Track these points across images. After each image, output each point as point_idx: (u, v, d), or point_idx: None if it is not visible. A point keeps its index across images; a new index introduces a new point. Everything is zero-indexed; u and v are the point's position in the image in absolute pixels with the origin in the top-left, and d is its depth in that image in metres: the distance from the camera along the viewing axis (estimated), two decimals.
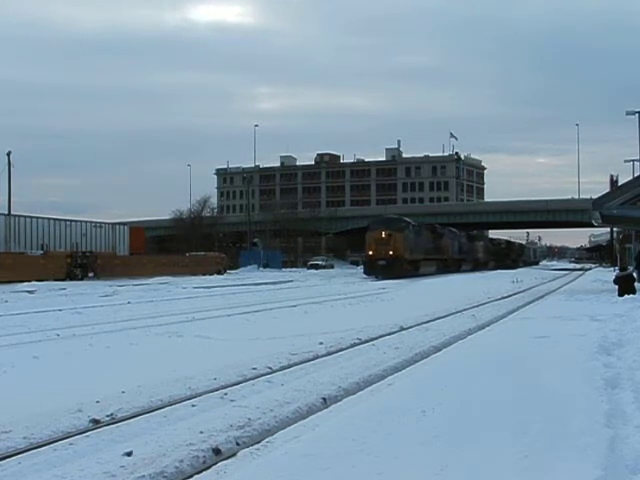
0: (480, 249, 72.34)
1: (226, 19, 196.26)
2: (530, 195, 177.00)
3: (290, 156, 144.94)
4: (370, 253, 46.42)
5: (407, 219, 52.02)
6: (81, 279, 37.16)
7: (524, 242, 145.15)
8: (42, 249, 38.51)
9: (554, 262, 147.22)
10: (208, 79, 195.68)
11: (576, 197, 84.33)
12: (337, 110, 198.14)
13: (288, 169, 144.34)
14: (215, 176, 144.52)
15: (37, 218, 40.65)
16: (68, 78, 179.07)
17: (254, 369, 8.86)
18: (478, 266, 66.52)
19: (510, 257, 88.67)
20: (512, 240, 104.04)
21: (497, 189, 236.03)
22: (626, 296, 20.52)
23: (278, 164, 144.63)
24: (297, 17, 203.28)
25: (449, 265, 56.07)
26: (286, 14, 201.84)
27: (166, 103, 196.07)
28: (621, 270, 24.72)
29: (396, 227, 47.41)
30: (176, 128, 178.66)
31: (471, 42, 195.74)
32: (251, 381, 8.18)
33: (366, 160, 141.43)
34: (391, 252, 44.97)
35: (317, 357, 10.10)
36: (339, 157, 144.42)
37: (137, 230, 54.00)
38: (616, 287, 22.22)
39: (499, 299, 23.34)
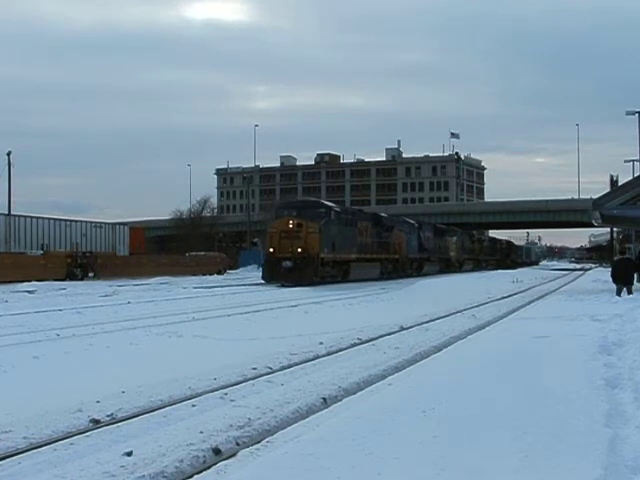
0: (453, 246, 59.48)
1: (221, 17, 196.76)
2: (530, 195, 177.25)
3: (290, 156, 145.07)
4: (271, 250, 32.28)
5: (329, 203, 37.55)
6: (81, 279, 37.13)
7: (524, 242, 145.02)
8: (42, 249, 38.49)
9: (554, 262, 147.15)
10: (205, 78, 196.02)
11: (576, 197, 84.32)
12: (337, 109, 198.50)
13: (288, 169, 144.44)
14: (215, 176, 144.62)
15: (37, 218, 40.62)
16: (67, 77, 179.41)
17: (254, 369, 8.86)
18: (449, 267, 56.22)
19: (495, 256, 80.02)
20: (499, 238, 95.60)
21: (497, 189, 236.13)
22: (624, 295, 20.30)
23: (278, 164, 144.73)
24: (294, 14, 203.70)
25: (402, 266, 44.35)
26: (282, 11, 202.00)
27: (164, 102, 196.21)
28: (621, 254, 24.12)
29: (311, 214, 33.14)
30: (176, 128, 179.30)
31: (471, 41, 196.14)
32: (251, 381, 8.19)
33: (366, 160, 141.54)
34: (300, 249, 31.20)
35: (317, 357, 10.10)
36: (339, 157, 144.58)
37: (137, 230, 53.97)
38: (615, 287, 21.82)
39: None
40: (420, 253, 49.10)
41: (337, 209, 35.95)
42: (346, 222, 35.70)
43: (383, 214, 48.15)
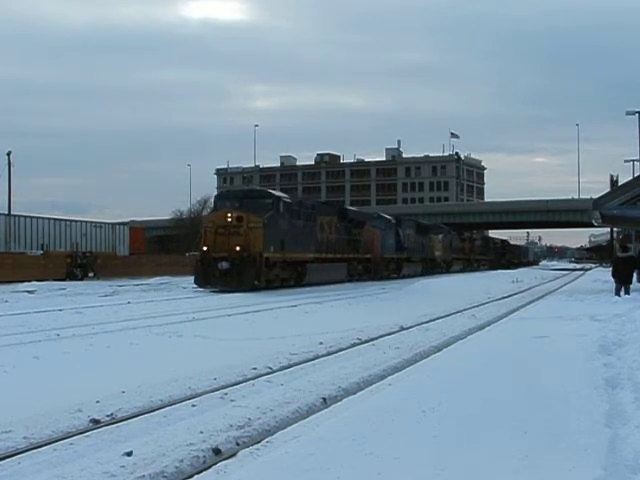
0: (438, 245, 54.28)
1: (220, 16, 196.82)
2: (530, 195, 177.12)
3: (290, 156, 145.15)
4: (205, 249, 26.92)
5: (278, 193, 31.71)
6: (81, 279, 37.14)
7: (524, 242, 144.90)
8: (42, 249, 38.49)
9: (554, 262, 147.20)
10: (204, 77, 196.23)
11: (576, 197, 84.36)
12: (336, 109, 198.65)
13: (288, 169, 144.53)
14: (215, 176, 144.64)
15: (37, 218, 40.61)
16: (67, 78, 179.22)
17: (254, 369, 8.86)
18: (434, 268, 51.64)
19: (488, 256, 75.79)
20: (493, 236, 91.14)
21: (497, 189, 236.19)
22: (623, 295, 20.18)
23: (278, 164, 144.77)
24: (293, 14, 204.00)
25: (376, 267, 39.47)
26: (281, 10, 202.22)
27: (164, 102, 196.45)
28: (623, 250, 23.42)
29: (254, 206, 27.62)
30: (176, 128, 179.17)
31: (471, 40, 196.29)
32: (251, 381, 8.19)
33: (366, 160, 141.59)
34: (239, 247, 26.02)
35: (317, 357, 10.10)
36: (339, 157, 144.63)
37: (137, 230, 53.95)
38: (614, 284, 21.27)
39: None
40: (398, 252, 43.95)
41: (288, 200, 29.93)
42: (301, 216, 30.26)
43: (352, 208, 43.42)
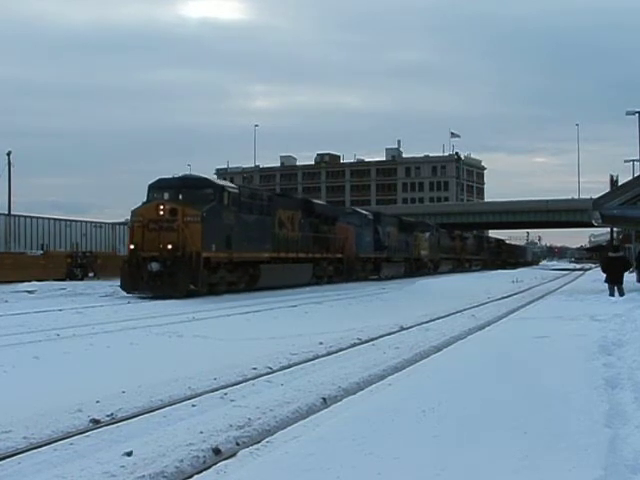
0: (425, 244, 50.39)
1: (218, 15, 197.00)
2: (529, 195, 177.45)
3: (290, 156, 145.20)
4: (132, 247, 23.18)
5: (223, 182, 28.08)
6: (81, 279, 37.09)
7: (524, 242, 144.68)
8: (42, 249, 38.47)
9: (554, 262, 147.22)
10: (203, 77, 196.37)
11: (576, 197, 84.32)
12: (336, 109, 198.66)
13: (288, 169, 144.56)
14: (215, 176, 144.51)
15: (37, 218, 40.57)
16: (66, 77, 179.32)
17: (254, 369, 8.87)
18: (420, 268, 48.06)
19: (481, 256, 72.34)
20: (486, 235, 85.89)
21: (497, 189, 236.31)
22: (617, 296, 20.05)
23: (278, 164, 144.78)
24: (292, 13, 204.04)
25: (349, 267, 35.65)
26: (280, 10, 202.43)
27: (164, 102, 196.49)
28: (614, 250, 23.14)
29: (193, 197, 23.46)
30: (175, 127, 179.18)
31: (470, 40, 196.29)
32: (251, 381, 8.19)
33: (366, 160, 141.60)
34: (171, 245, 22.10)
35: (317, 357, 10.11)
36: (339, 157, 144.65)
37: None
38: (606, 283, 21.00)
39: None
40: (377, 252, 40.04)
41: (234, 190, 25.14)
42: (254, 209, 26.14)
43: (320, 201, 38.56)
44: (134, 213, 24.06)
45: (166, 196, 23.56)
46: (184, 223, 22.39)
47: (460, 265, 61.87)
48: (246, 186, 27.17)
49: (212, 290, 23.10)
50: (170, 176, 25.05)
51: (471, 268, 65.34)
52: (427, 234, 51.42)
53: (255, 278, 25.97)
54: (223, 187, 24.60)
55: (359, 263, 37.40)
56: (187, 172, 29.25)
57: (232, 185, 26.34)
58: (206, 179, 25.54)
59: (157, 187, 24.43)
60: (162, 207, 22.67)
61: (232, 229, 24.06)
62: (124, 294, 22.45)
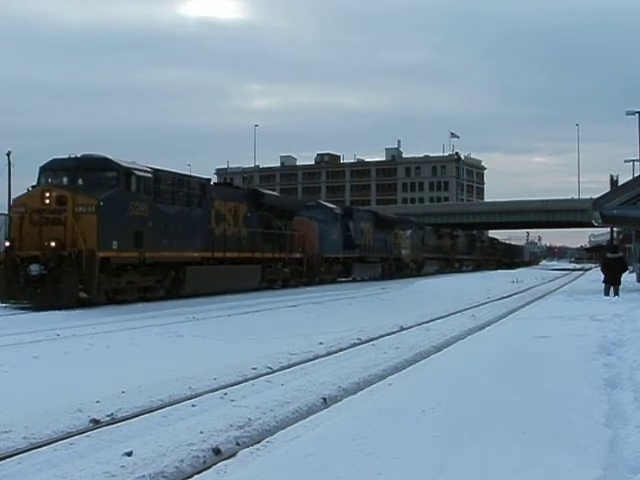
0: (406, 242, 45.75)
1: (217, 15, 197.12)
2: (529, 194, 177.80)
3: (290, 156, 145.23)
4: (7, 244, 18.43)
5: (129, 164, 20.04)
6: None
7: (524, 242, 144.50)
8: None
9: (554, 262, 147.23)
10: (202, 77, 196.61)
11: (576, 197, 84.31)
12: (336, 109, 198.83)
13: (288, 169, 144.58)
14: (215, 176, 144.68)
15: None
16: (66, 77, 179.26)
17: (254, 369, 8.87)
18: (400, 269, 44.06)
19: (473, 256, 68.48)
20: (479, 234, 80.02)
21: (496, 189, 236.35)
22: (612, 296, 20.05)
23: (278, 164, 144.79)
24: (291, 12, 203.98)
25: (312, 268, 31.19)
26: (279, 9, 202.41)
27: (164, 102, 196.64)
28: (613, 251, 23.26)
29: (89, 181, 19.00)
30: (175, 127, 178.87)
31: (470, 40, 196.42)
32: (251, 381, 8.19)
33: (366, 160, 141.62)
34: (55, 242, 17.63)
35: (317, 357, 10.11)
36: (339, 157, 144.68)
37: None
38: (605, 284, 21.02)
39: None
40: (347, 251, 35.40)
41: (146, 174, 19.95)
42: (177, 199, 21.46)
43: (273, 193, 33.82)
44: (15, 202, 19.50)
45: (62, 181, 19.04)
46: (75, 214, 17.80)
47: (449, 266, 57.75)
48: (168, 171, 21.32)
49: (115, 298, 18.62)
50: (66, 156, 19.41)
51: (461, 269, 61.48)
52: (409, 231, 47.06)
53: (180, 283, 21.39)
54: (129, 170, 19.30)
55: (326, 264, 33.24)
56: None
57: (144, 168, 20.22)
58: (107, 159, 19.38)
59: (49, 169, 19.49)
60: (48, 194, 18.06)
61: (144, 223, 19.51)
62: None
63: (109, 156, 19.35)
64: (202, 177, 23.95)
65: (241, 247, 24.89)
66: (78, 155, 19.22)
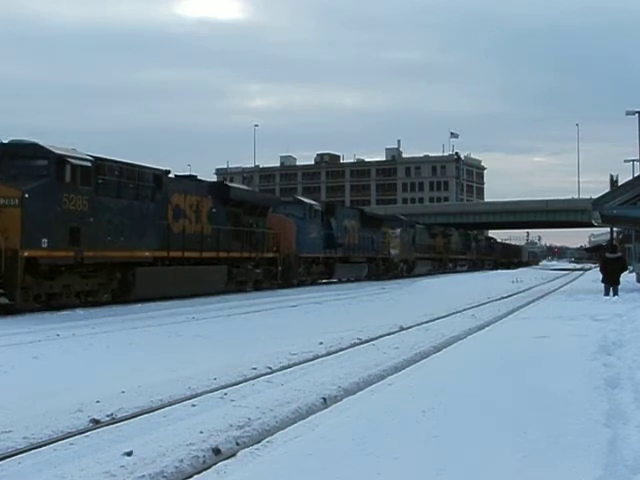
0: (395, 241, 43.58)
1: (216, 15, 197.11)
2: (529, 194, 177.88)
3: (290, 156, 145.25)
4: None
5: (63, 151, 17.11)
6: None
7: (524, 242, 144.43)
8: None
9: (554, 262, 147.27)
10: (202, 76, 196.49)
11: (576, 197, 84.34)
12: (336, 109, 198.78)
13: (288, 169, 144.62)
14: (215, 176, 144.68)
15: None
16: (66, 77, 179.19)
17: (254, 369, 8.86)
18: (389, 270, 42.02)
19: (468, 256, 66.44)
20: (474, 233, 76.03)
21: (496, 188, 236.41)
22: (612, 296, 20.04)
23: (278, 164, 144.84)
24: (290, 12, 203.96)
25: (287, 269, 29.06)
26: (278, 9, 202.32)
27: (163, 101, 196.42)
28: (612, 251, 23.24)
29: (17, 170, 16.38)
30: (175, 127, 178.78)
31: (470, 39, 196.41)
32: (251, 381, 8.19)
33: (366, 160, 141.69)
34: None
35: (317, 357, 10.11)
36: (339, 157, 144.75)
37: None
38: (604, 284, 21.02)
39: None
40: (329, 250, 32.99)
41: (84, 163, 17.41)
42: (125, 192, 19.11)
43: (243, 187, 31.20)
44: None
45: None
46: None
47: (442, 266, 55.31)
48: (114, 160, 18.88)
49: (47, 305, 16.49)
50: None
51: (455, 269, 59.20)
52: (398, 230, 44.40)
53: (128, 286, 19.24)
54: (63, 157, 16.76)
55: (304, 264, 30.96)
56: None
57: (83, 156, 17.66)
58: (36, 145, 16.91)
59: None
60: None
61: (83, 218, 17.19)
62: None
63: (39, 142, 16.84)
64: (157, 168, 20.98)
65: (204, 246, 22.59)
66: (5, 141, 16.80)
